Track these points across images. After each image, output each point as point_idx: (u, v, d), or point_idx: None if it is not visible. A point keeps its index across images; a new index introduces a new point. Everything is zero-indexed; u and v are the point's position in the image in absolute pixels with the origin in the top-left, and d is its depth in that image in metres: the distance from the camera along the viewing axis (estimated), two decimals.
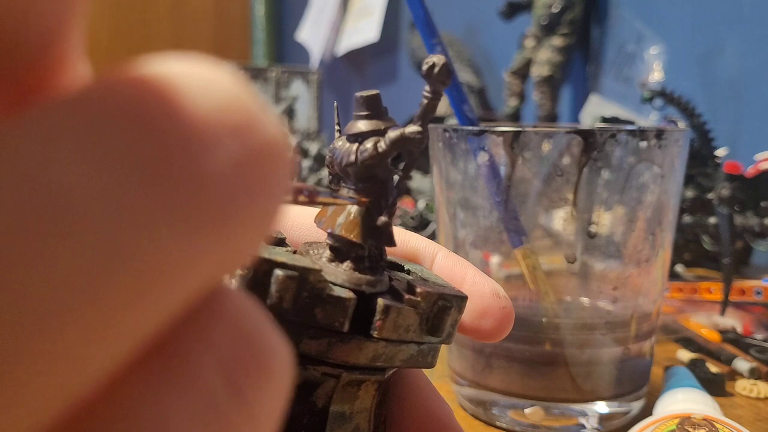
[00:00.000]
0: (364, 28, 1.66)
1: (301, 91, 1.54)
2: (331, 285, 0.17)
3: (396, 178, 0.19)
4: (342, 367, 0.17)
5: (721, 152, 0.67)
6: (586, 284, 0.36)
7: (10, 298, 0.06)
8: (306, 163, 0.97)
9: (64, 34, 0.08)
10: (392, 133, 0.17)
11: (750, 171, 0.63)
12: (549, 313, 0.35)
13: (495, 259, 0.37)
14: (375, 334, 0.17)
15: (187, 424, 0.08)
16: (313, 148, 0.98)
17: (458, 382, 0.38)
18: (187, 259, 0.07)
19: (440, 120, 1.07)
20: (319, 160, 0.97)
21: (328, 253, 0.18)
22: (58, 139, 0.07)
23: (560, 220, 0.34)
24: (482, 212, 0.35)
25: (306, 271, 0.16)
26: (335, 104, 0.21)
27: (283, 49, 2.29)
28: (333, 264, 0.18)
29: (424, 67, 0.17)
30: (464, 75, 1.23)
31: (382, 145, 0.17)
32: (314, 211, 0.22)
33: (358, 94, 0.18)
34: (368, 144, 0.18)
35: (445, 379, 0.40)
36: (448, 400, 0.41)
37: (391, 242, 0.18)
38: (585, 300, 0.36)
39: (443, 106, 1.24)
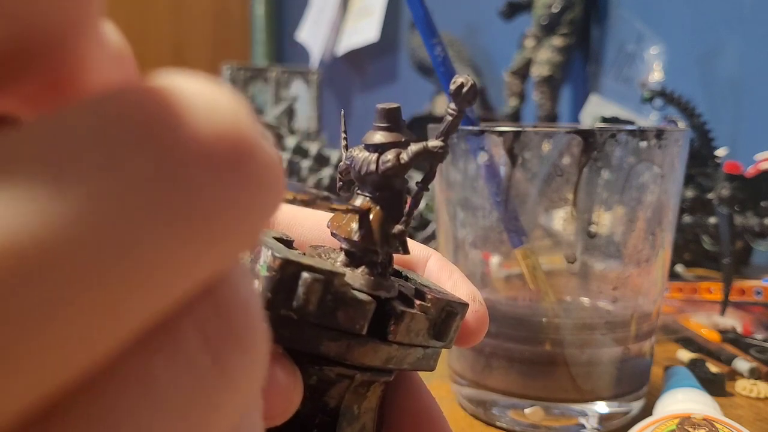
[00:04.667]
0: (364, 28, 1.66)
1: (301, 91, 1.54)
2: (352, 289, 0.17)
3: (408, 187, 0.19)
4: (356, 369, 0.18)
5: (721, 152, 0.67)
6: (586, 284, 0.36)
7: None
8: (306, 163, 0.96)
9: (81, 29, 0.09)
10: (415, 146, 0.18)
11: (750, 171, 0.63)
12: (549, 313, 0.35)
13: (495, 259, 0.37)
14: (390, 338, 0.18)
15: (173, 385, 0.09)
16: (313, 148, 0.98)
17: (458, 382, 0.38)
18: (168, 264, 0.08)
19: (440, 120, 1.07)
20: (319, 161, 0.97)
21: (342, 257, 0.19)
22: (73, 142, 0.08)
23: (560, 220, 0.34)
24: (482, 212, 0.35)
25: (332, 274, 0.17)
26: (342, 113, 0.22)
27: (283, 49, 2.29)
28: (349, 269, 0.19)
29: (452, 87, 0.18)
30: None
31: (404, 157, 0.18)
32: (320, 214, 0.22)
33: (380, 105, 0.19)
34: (390, 155, 0.18)
35: (445, 379, 0.40)
36: (447, 400, 0.41)
37: (406, 250, 0.19)
38: (585, 300, 0.36)
39: (443, 106, 1.24)
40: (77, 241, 0.07)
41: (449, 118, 0.18)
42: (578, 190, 0.33)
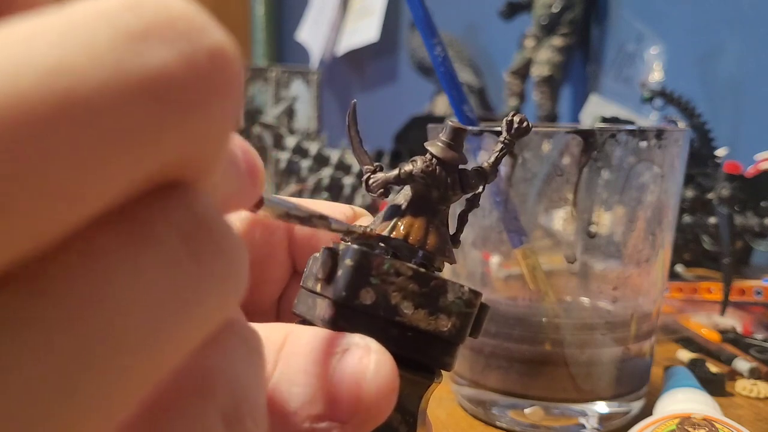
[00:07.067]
0: (364, 28, 1.66)
1: (301, 91, 1.54)
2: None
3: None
4: (440, 373, 0.19)
5: (721, 152, 0.67)
6: (586, 284, 0.36)
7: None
8: (306, 163, 0.96)
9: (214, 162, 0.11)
10: (475, 169, 0.20)
11: (750, 171, 0.63)
12: (549, 313, 0.35)
13: (495, 259, 0.37)
14: (475, 335, 0.19)
15: (153, 272, 0.09)
16: (313, 148, 0.98)
17: (458, 382, 0.38)
18: (150, 133, 0.09)
19: (440, 120, 1.07)
20: (319, 160, 0.97)
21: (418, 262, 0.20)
22: None
23: (560, 220, 0.34)
24: (482, 212, 0.35)
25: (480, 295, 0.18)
26: (353, 103, 0.21)
27: (283, 49, 2.29)
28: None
29: (506, 120, 0.20)
30: (464, 75, 1.23)
31: (479, 176, 0.20)
32: (326, 204, 0.22)
33: (451, 123, 0.20)
34: (473, 176, 0.20)
35: (445, 379, 0.40)
36: (447, 400, 0.41)
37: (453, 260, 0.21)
38: (585, 300, 0.36)
39: (443, 106, 1.24)
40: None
41: (501, 146, 0.20)
42: (578, 190, 0.33)
